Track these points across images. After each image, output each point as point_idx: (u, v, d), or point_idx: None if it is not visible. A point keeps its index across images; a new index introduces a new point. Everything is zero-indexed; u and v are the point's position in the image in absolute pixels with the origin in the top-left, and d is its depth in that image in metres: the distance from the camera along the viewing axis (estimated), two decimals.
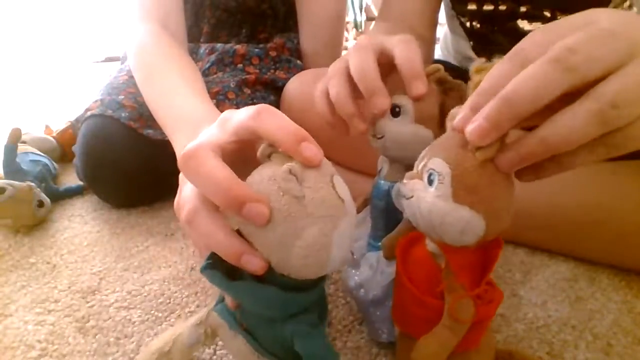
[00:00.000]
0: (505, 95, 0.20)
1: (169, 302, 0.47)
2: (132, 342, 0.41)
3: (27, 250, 0.58)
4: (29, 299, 0.48)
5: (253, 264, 0.25)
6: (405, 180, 0.27)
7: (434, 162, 0.25)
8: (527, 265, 0.52)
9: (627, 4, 0.50)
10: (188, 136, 0.37)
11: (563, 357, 0.39)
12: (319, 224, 0.24)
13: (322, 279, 0.28)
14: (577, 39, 0.19)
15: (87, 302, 0.47)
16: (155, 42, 0.59)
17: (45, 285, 0.50)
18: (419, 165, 0.26)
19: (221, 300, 0.32)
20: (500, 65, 0.22)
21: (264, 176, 0.25)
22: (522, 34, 0.55)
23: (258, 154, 0.26)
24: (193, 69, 0.57)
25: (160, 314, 0.45)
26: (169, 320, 0.44)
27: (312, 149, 0.24)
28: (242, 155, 0.27)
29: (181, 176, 0.31)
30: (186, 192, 0.28)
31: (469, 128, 0.22)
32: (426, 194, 0.25)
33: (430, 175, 0.25)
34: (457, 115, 0.23)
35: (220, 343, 0.40)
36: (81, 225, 0.64)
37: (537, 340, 0.41)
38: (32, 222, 0.63)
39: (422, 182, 0.25)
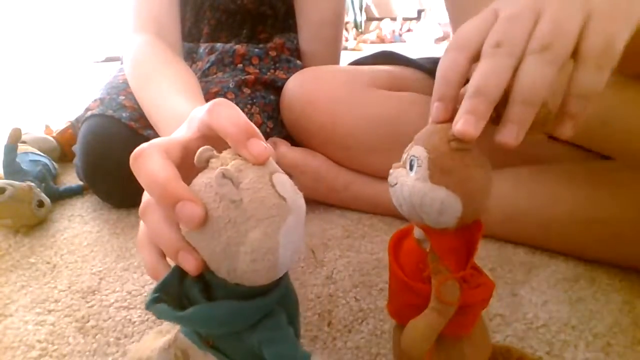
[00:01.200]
0: (472, 90, 0.25)
1: None
2: (132, 342, 0.41)
3: (27, 250, 0.58)
4: (29, 299, 0.48)
5: (188, 261, 0.24)
6: (391, 170, 0.29)
7: (414, 150, 0.27)
8: (527, 265, 0.52)
9: None
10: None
11: (563, 357, 0.39)
12: (262, 227, 0.23)
13: (280, 280, 0.27)
14: (497, 34, 0.26)
15: (87, 302, 0.47)
16: (150, 51, 0.60)
17: (45, 285, 0.50)
18: (404, 156, 0.28)
19: None
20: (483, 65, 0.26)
21: (201, 183, 0.24)
22: None
23: (195, 159, 0.25)
24: (188, 75, 0.57)
25: None
26: None
27: (259, 145, 0.24)
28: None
29: None
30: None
31: (458, 127, 0.25)
32: (407, 179, 0.27)
33: (411, 161, 0.27)
34: (432, 107, 0.27)
35: None
36: (81, 225, 0.64)
37: (537, 340, 0.41)
38: (32, 222, 0.63)
39: (405, 170, 0.28)
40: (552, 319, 0.44)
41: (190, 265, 0.24)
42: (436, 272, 0.27)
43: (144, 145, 0.26)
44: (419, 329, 0.27)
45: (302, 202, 0.26)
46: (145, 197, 0.28)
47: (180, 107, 0.46)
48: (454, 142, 0.25)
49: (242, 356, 0.28)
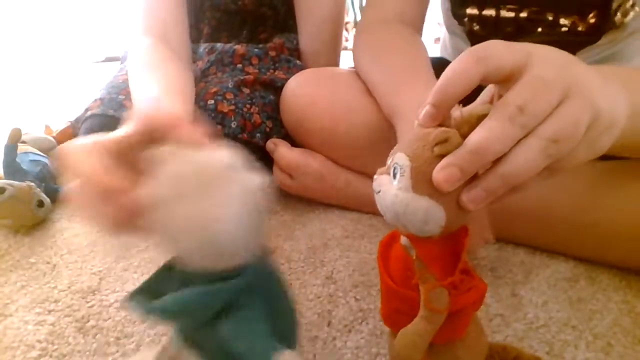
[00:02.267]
0: (472, 148, 0.23)
1: None
2: (132, 342, 0.41)
3: (27, 250, 0.58)
4: (29, 299, 0.48)
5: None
6: (375, 176, 0.28)
7: (397, 157, 0.26)
8: (527, 265, 0.52)
9: (629, 3, 0.50)
10: None
11: (563, 357, 0.39)
12: (191, 202, 0.23)
13: (247, 265, 0.26)
14: (524, 98, 0.23)
15: (87, 302, 0.47)
16: (150, 54, 0.60)
17: (45, 285, 0.50)
18: (388, 161, 0.28)
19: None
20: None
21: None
22: (524, 38, 0.54)
23: (144, 158, 0.25)
24: (181, 76, 0.57)
25: None
26: None
27: (188, 130, 0.26)
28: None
29: None
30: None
31: (441, 176, 0.24)
32: (390, 187, 0.26)
33: (394, 169, 0.26)
34: (422, 109, 0.26)
35: None
36: (81, 225, 0.64)
37: (537, 340, 0.41)
38: (32, 222, 0.63)
39: (389, 177, 0.27)
40: (552, 319, 0.44)
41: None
42: (423, 280, 0.26)
43: (73, 144, 0.26)
44: (409, 337, 0.27)
45: (248, 174, 0.26)
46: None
47: (156, 97, 0.47)
48: (437, 148, 0.24)
49: (216, 351, 0.27)
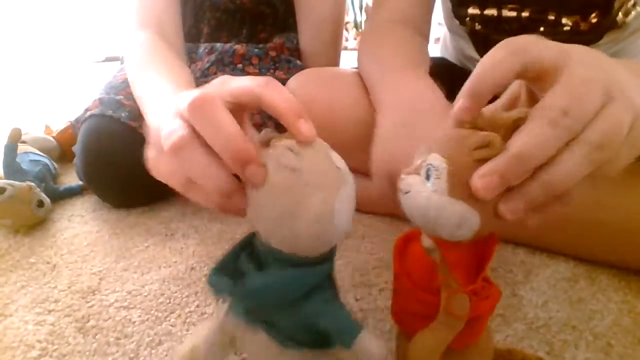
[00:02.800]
0: (514, 154, 0.22)
1: (169, 302, 0.47)
2: (132, 342, 0.41)
3: (27, 250, 0.58)
4: (29, 299, 0.48)
5: (257, 174, 0.25)
6: (403, 175, 0.27)
7: (431, 158, 0.25)
8: (527, 265, 0.52)
9: (631, 3, 0.50)
10: (160, 107, 0.37)
11: (563, 357, 0.39)
12: (319, 194, 0.25)
13: (330, 253, 0.28)
14: (566, 100, 0.22)
15: (87, 302, 0.47)
16: (148, 48, 0.60)
17: (45, 285, 0.50)
18: (417, 160, 0.27)
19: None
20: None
21: (264, 155, 0.26)
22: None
23: (258, 138, 0.27)
24: (183, 69, 0.57)
25: (160, 314, 0.45)
26: (169, 320, 0.44)
27: (308, 126, 0.26)
28: None
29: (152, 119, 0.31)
30: (173, 123, 0.27)
31: (480, 183, 0.23)
32: (423, 189, 0.25)
33: (428, 170, 0.25)
34: (456, 103, 0.24)
35: None
36: (81, 225, 0.64)
37: (537, 340, 0.41)
38: (32, 222, 0.63)
39: (420, 177, 0.26)
40: (552, 319, 0.44)
41: (258, 177, 0.25)
42: (446, 285, 0.26)
43: (200, 93, 0.26)
44: (428, 342, 0.26)
45: (352, 176, 0.28)
46: (178, 131, 0.26)
47: (167, 89, 0.47)
48: (477, 152, 0.23)
49: (295, 328, 0.28)
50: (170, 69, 0.54)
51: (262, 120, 0.68)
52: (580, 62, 0.24)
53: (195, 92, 0.26)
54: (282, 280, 0.27)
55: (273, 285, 0.27)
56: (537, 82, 0.25)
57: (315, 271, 0.27)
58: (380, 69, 0.54)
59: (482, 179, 0.22)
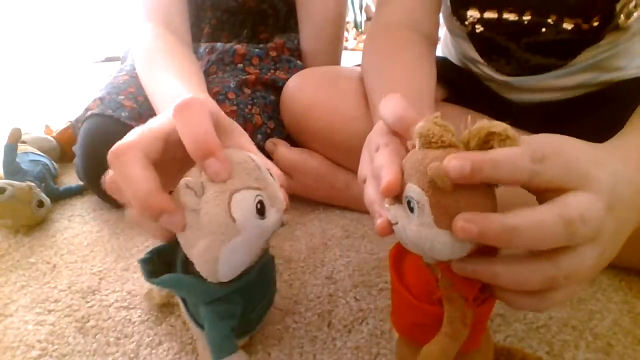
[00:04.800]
0: (509, 226, 0.21)
1: (169, 302, 0.47)
2: (132, 342, 0.41)
3: (27, 250, 0.58)
4: (29, 299, 0.48)
5: (172, 222, 0.27)
6: (387, 205, 0.27)
7: (410, 190, 0.24)
8: None
9: (632, 4, 0.50)
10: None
11: (563, 357, 0.39)
12: (207, 240, 0.27)
13: (239, 277, 0.31)
14: (586, 209, 0.22)
15: (87, 302, 0.47)
16: (157, 40, 0.60)
17: (45, 285, 0.50)
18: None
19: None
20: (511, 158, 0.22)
21: (180, 185, 0.28)
22: (527, 40, 0.54)
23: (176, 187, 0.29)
24: (193, 63, 0.57)
25: (160, 314, 0.45)
26: (169, 320, 0.44)
27: (215, 166, 0.27)
28: None
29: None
30: (131, 136, 0.29)
31: (460, 226, 0.22)
32: (409, 222, 0.24)
33: (409, 202, 0.24)
34: (452, 159, 0.22)
35: None
36: (81, 225, 0.64)
37: (537, 340, 0.41)
38: (32, 222, 0.63)
39: (403, 207, 0.25)
40: (552, 319, 0.44)
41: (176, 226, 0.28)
42: (449, 299, 0.26)
43: (123, 143, 0.28)
44: (434, 354, 0.27)
45: (260, 223, 0.29)
46: (130, 140, 0.29)
47: (178, 88, 0.47)
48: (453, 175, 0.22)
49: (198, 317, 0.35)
50: (179, 64, 0.54)
51: (262, 120, 0.68)
52: (596, 192, 0.23)
53: (123, 141, 0.28)
54: (194, 287, 0.31)
55: (187, 288, 0.33)
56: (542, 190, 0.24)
57: (221, 288, 0.31)
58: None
59: (463, 224, 0.22)
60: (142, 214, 0.27)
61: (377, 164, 0.28)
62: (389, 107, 0.29)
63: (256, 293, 0.37)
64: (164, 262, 0.34)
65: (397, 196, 0.26)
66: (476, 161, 0.21)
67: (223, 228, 0.27)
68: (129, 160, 0.27)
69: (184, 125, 0.28)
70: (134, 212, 0.30)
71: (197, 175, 0.29)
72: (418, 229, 0.24)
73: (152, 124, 0.30)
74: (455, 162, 0.21)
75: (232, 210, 0.27)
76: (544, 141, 0.24)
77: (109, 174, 0.30)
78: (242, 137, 0.36)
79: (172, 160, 0.30)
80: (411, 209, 0.24)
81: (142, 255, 0.34)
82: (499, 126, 0.22)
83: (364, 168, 0.32)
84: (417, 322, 0.29)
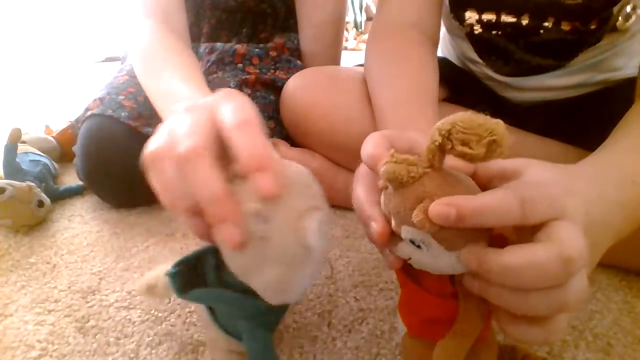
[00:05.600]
0: (503, 265, 0.21)
1: (169, 302, 0.47)
2: (132, 342, 0.41)
3: (27, 250, 0.58)
4: (29, 299, 0.48)
5: (231, 234, 0.24)
6: (395, 247, 0.26)
7: (408, 232, 0.24)
8: None
9: (630, 6, 0.50)
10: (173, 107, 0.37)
11: (563, 357, 0.39)
12: (278, 269, 0.25)
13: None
14: (583, 245, 0.22)
15: (87, 302, 0.47)
16: (156, 38, 0.59)
17: (45, 285, 0.50)
18: (393, 227, 0.26)
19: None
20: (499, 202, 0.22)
21: (246, 212, 0.25)
22: (526, 40, 0.53)
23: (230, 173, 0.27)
24: (192, 60, 0.57)
25: (160, 314, 0.45)
26: (169, 320, 0.44)
27: (264, 181, 0.24)
28: None
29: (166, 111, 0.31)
30: (185, 126, 0.26)
31: (403, 251, 0.24)
32: (422, 255, 0.25)
33: (413, 242, 0.24)
34: (436, 207, 0.22)
35: None
36: (81, 225, 0.64)
37: None
38: (32, 222, 0.63)
39: (411, 246, 0.25)
40: None
41: (232, 237, 0.24)
42: (465, 294, 0.26)
43: (189, 145, 0.25)
44: (450, 350, 0.27)
45: (325, 244, 0.27)
46: (189, 137, 0.26)
47: (181, 88, 0.47)
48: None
49: (227, 324, 0.34)
50: (179, 61, 0.54)
51: (263, 120, 0.68)
52: (573, 223, 0.23)
53: (181, 133, 0.26)
54: (236, 301, 0.30)
55: (226, 303, 0.31)
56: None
57: (263, 303, 0.28)
58: (393, 103, 0.50)
59: (461, 255, 0.23)
60: (211, 214, 0.24)
61: (357, 202, 0.29)
62: (366, 145, 0.29)
63: (280, 309, 0.35)
64: (190, 271, 0.32)
65: (394, 239, 0.26)
66: (462, 209, 0.21)
67: (298, 258, 0.25)
68: (199, 160, 0.25)
69: (244, 135, 0.26)
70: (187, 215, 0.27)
71: (245, 194, 0.25)
72: (435, 261, 0.24)
73: (192, 124, 0.27)
74: (440, 210, 0.21)
75: (307, 238, 0.25)
76: (525, 179, 0.24)
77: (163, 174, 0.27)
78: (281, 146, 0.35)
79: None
80: (418, 246, 0.24)
81: (142, 253, 0.34)
82: (434, 136, 0.22)
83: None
84: (431, 317, 0.29)
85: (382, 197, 0.26)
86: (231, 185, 0.25)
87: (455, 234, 0.23)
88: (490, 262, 0.22)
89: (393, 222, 0.25)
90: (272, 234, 0.25)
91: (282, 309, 0.35)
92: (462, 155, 0.22)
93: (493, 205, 0.22)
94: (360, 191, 0.30)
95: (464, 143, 0.21)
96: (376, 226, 0.26)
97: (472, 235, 0.23)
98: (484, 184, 0.26)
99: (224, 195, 0.24)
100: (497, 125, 0.21)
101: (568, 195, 0.24)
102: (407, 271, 0.30)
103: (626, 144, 0.35)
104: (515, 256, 0.21)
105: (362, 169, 0.31)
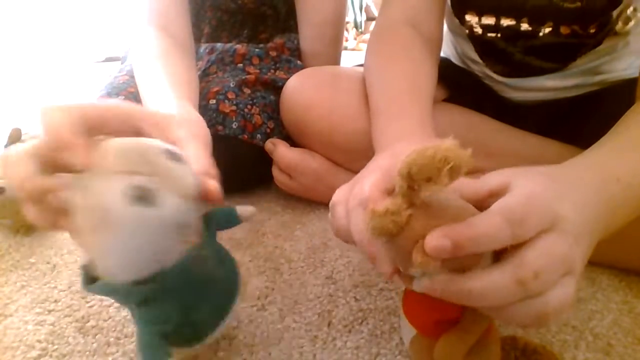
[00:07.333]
0: (466, 289, 0.23)
1: None
2: (132, 342, 0.41)
3: (27, 250, 0.58)
4: (29, 299, 0.48)
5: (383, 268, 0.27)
6: (399, 278, 0.27)
7: (417, 272, 0.25)
8: None
9: (630, 10, 0.50)
10: None
11: (563, 357, 0.39)
12: (94, 237, 0.26)
13: (152, 279, 0.29)
14: (540, 264, 0.23)
15: (87, 302, 0.47)
16: (153, 45, 0.59)
17: (45, 285, 0.50)
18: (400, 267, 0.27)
19: None
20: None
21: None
22: (525, 43, 0.54)
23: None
24: (186, 71, 0.57)
25: None
26: None
27: (70, 155, 0.27)
28: None
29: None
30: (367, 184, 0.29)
31: (426, 286, 0.24)
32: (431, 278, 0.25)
33: (419, 274, 0.25)
34: (431, 241, 0.22)
35: None
36: None
37: (537, 340, 0.41)
38: (32, 222, 0.63)
39: (421, 278, 0.25)
40: None
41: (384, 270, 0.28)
42: None
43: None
44: (453, 345, 0.27)
45: (142, 212, 0.26)
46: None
47: (166, 103, 0.47)
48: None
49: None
50: (172, 71, 0.54)
51: (262, 120, 0.68)
52: (562, 231, 0.24)
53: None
54: (119, 289, 0.30)
55: (107, 291, 0.31)
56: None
57: (139, 289, 0.29)
58: (387, 99, 0.50)
59: (428, 285, 0.24)
60: (27, 199, 0.28)
61: (358, 237, 0.29)
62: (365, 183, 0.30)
63: (194, 292, 0.32)
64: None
65: (405, 278, 0.27)
66: (455, 239, 0.22)
67: (95, 221, 0.25)
68: (8, 160, 0.28)
69: (43, 127, 0.29)
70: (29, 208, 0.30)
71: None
72: (442, 279, 0.25)
73: None
74: (435, 244, 0.22)
75: (96, 201, 0.25)
76: (513, 194, 0.25)
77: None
78: (180, 130, 0.35)
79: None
80: (424, 274, 0.25)
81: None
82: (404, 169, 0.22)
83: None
84: (443, 318, 0.29)
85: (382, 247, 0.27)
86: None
87: (459, 261, 0.23)
88: (454, 287, 0.23)
89: (400, 267, 0.26)
90: (84, 201, 0.25)
91: (203, 307, 0.33)
92: (433, 190, 0.22)
93: (485, 232, 0.23)
94: (358, 218, 0.30)
95: (428, 179, 0.22)
96: (386, 272, 0.27)
97: (475, 258, 0.24)
98: (476, 205, 0.27)
99: (26, 175, 0.28)
100: (449, 150, 0.21)
101: (557, 202, 0.25)
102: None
103: (614, 143, 0.36)
104: (476, 280, 0.23)
105: (352, 205, 0.32)
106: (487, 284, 0.23)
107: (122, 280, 0.28)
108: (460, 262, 0.23)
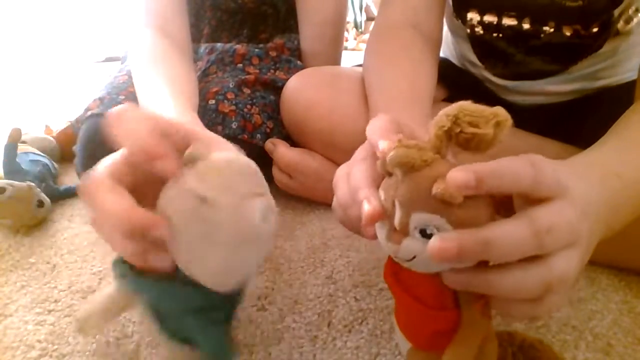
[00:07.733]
0: (482, 240, 0.22)
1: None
2: (132, 342, 0.42)
3: (27, 250, 0.58)
4: (29, 299, 0.48)
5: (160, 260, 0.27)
6: (390, 244, 0.25)
7: (420, 219, 0.23)
8: None
9: (632, 9, 0.50)
10: None
11: (563, 357, 0.39)
12: (223, 252, 0.26)
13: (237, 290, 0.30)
14: (555, 220, 0.23)
15: (87, 302, 0.47)
16: (151, 48, 0.60)
17: (45, 285, 0.50)
18: (396, 222, 0.24)
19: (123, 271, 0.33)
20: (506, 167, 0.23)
21: (175, 194, 0.27)
22: (527, 44, 0.53)
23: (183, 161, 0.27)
24: (183, 73, 0.57)
25: None
26: None
27: (164, 164, 0.27)
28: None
29: None
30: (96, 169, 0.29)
31: (437, 249, 0.22)
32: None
33: (424, 230, 0.23)
34: (456, 172, 0.22)
35: None
36: (81, 225, 0.64)
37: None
38: (32, 222, 0.63)
39: (415, 239, 0.24)
40: (552, 319, 0.44)
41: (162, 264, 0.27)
42: (468, 306, 0.26)
43: (90, 177, 0.27)
44: (462, 356, 0.27)
45: (270, 229, 0.28)
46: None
47: (164, 108, 0.47)
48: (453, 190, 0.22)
49: (176, 332, 0.32)
50: (170, 74, 0.54)
51: (262, 120, 0.68)
52: (572, 201, 0.24)
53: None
54: (180, 293, 0.29)
55: (170, 296, 0.30)
56: (526, 198, 0.25)
57: (211, 293, 0.28)
58: (386, 100, 0.50)
59: (441, 243, 0.22)
60: (126, 235, 0.26)
61: (354, 183, 0.29)
62: (374, 127, 0.29)
63: (234, 301, 0.34)
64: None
65: (396, 236, 0.24)
66: (479, 173, 0.22)
67: (240, 239, 0.26)
68: (97, 191, 0.26)
69: (121, 136, 0.28)
70: (122, 243, 0.28)
71: (193, 180, 0.27)
72: None
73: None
74: (461, 175, 0.22)
75: (250, 219, 0.26)
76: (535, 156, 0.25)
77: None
78: (226, 145, 0.35)
79: (154, 179, 0.29)
80: (428, 236, 0.23)
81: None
82: (445, 116, 0.22)
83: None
84: (437, 330, 0.28)
85: (383, 186, 0.25)
86: (184, 170, 0.27)
87: (465, 215, 0.22)
88: (469, 240, 0.22)
89: (398, 214, 0.24)
90: (217, 216, 0.25)
91: (231, 303, 0.33)
92: (471, 138, 0.22)
93: (509, 167, 0.23)
94: (358, 172, 0.29)
95: (472, 125, 0.22)
96: (369, 206, 0.26)
97: (483, 216, 0.23)
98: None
99: (124, 210, 0.26)
100: (499, 109, 0.23)
101: (576, 178, 0.26)
102: (402, 283, 0.29)
103: (615, 142, 0.36)
104: (494, 229, 0.22)
105: (359, 154, 0.31)
106: (505, 232, 0.22)
107: (223, 289, 0.28)
108: (473, 217, 0.23)
